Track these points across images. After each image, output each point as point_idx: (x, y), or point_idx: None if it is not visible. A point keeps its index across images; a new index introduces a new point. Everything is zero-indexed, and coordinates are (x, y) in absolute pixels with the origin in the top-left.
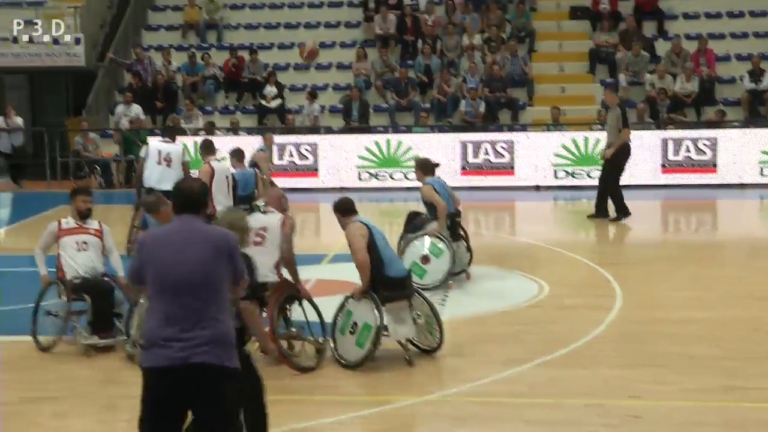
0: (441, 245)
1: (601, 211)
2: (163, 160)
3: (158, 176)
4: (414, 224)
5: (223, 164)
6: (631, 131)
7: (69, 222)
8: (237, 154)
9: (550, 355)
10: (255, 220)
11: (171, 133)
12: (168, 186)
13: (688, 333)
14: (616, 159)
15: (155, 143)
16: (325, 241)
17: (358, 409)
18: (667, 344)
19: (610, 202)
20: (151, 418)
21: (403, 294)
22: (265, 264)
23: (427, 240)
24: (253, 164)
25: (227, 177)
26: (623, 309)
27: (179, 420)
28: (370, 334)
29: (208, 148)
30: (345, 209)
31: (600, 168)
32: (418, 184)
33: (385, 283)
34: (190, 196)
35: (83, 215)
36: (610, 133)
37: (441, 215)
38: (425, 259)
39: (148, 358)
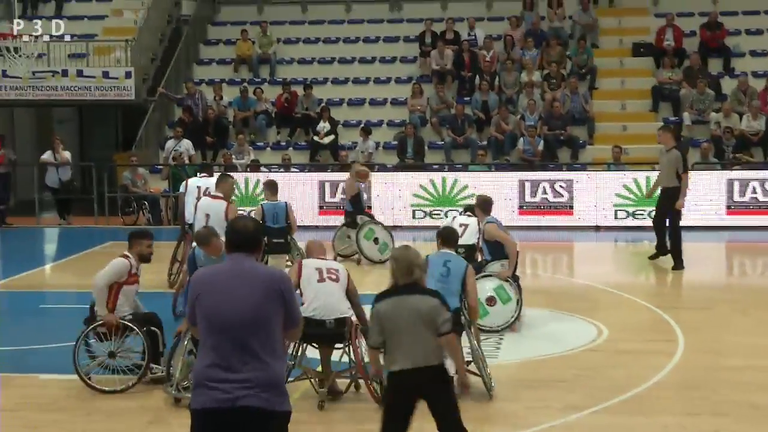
0: (511, 292)
1: (662, 249)
2: (202, 194)
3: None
4: (478, 264)
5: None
6: (696, 172)
7: (134, 267)
8: (270, 187)
9: (609, 402)
10: (325, 263)
11: (206, 169)
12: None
13: (751, 381)
14: (672, 203)
15: (194, 179)
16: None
17: None
18: (730, 392)
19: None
20: None
21: None
22: (343, 299)
23: (496, 282)
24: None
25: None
26: (685, 354)
27: None
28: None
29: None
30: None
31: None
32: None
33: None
34: (244, 235)
35: (145, 260)
36: (664, 175)
37: (512, 255)
38: (491, 300)
39: (196, 400)
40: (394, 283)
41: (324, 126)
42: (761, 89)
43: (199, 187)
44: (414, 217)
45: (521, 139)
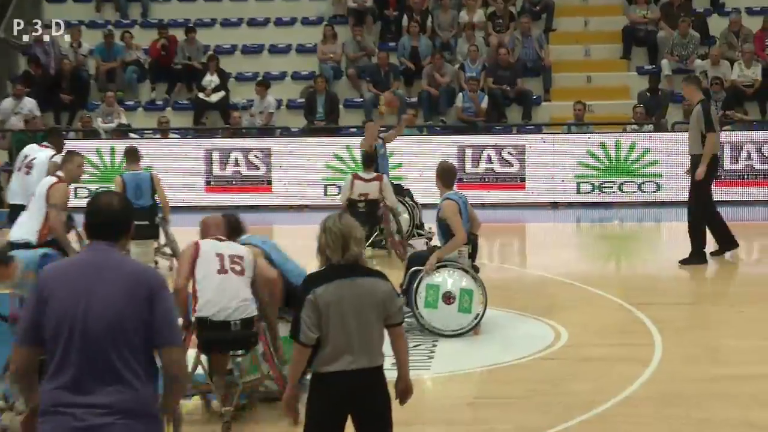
0: (475, 305)
1: (725, 242)
2: (24, 165)
3: (15, 187)
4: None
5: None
6: (676, 134)
7: None
8: (131, 154)
9: (569, 423)
10: (227, 245)
11: (52, 136)
12: (19, 199)
13: (747, 393)
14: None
15: (29, 148)
16: None
17: None
18: (720, 408)
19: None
20: None
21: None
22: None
23: (466, 282)
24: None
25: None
26: (664, 362)
27: None
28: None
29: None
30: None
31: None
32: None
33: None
34: (108, 216)
35: None
36: (690, 139)
37: (454, 246)
38: (448, 298)
39: (42, 429)
40: (326, 261)
41: (211, 80)
42: (757, 30)
43: (26, 156)
44: (326, 194)
45: (460, 94)
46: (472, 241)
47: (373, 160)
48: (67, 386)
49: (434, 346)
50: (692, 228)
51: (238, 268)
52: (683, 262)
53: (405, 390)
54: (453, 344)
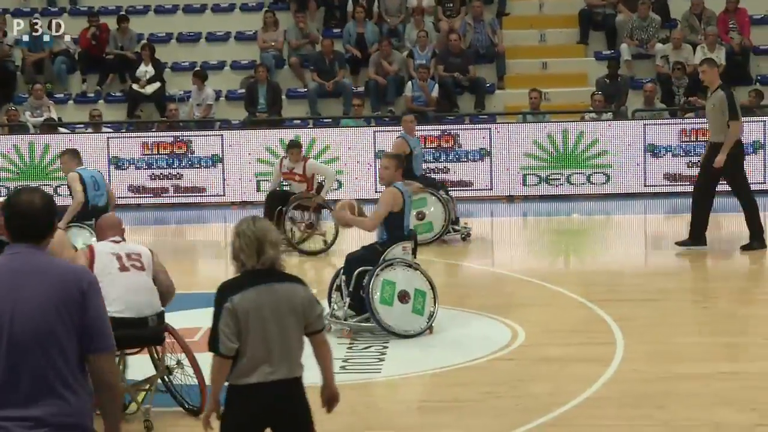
0: (428, 307)
1: (697, 236)
2: None
3: None
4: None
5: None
6: (635, 122)
7: None
8: (75, 154)
9: (527, 426)
10: (122, 246)
11: None
12: None
13: (714, 393)
14: (730, 163)
15: None
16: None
17: None
18: (685, 408)
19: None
20: None
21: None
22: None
23: (420, 282)
24: None
25: None
26: (626, 361)
27: None
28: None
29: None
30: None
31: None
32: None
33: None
34: (30, 216)
35: None
36: (711, 125)
37: (358, 222)
38: (404, 296)
39: None
40: (242, 267)
41: (146, 70)
42: (720, 12)
43: None
44: (259, 190)
45: (409, 83)
46: (414, 238)
47: None
48: None
49: (385, 348)
50: (749, 216)
51: (138, 264)
52: (744, 248)
53: (331, 397)
54: (405, 346)
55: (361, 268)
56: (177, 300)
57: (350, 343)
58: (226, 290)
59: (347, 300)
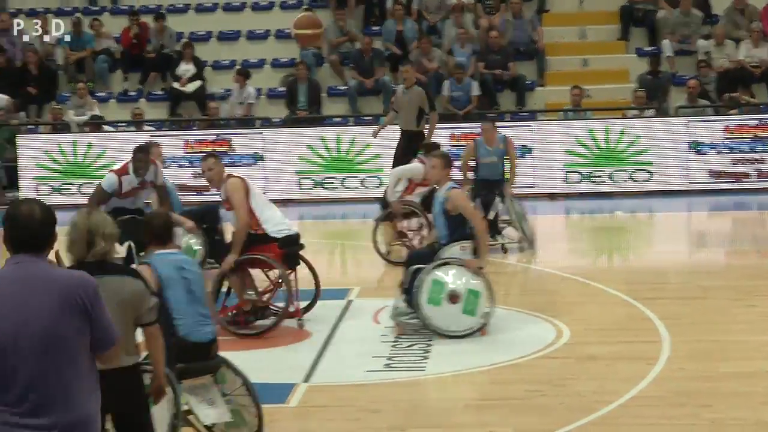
0: (481, 308)
1: None
2: None
3: None
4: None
5: None
6: (687, 117)
7: None
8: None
9: (572, 425)
10: None
11: None
12: None
13: (761, 392)
14: None
15: None
16: None
17: None
18: (732, 407)
19: None
20: None
21: (207, 366)
22: None
23: (473, 282)
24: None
25: None
26: (672, 360)
27: None
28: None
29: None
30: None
31: None
32: (377, 193)
33: (182, 349)
34: (30, 228)
35: None
36: None
37: (483, 237)
38: (454, 297)
39: None
40: (76, 260)
41: (187, 69)
42: (763, 7)
43: None
44: (301, 188)
45: (448, 81)
46: (473, 236)
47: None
48: (10, 406)
49: (429, 346)
50: None
51: None
52: None
53: (157, 389)
54: (449, 344)
55: (416, 266)
56: None
57: (394, 342)
58: None
59: (404, 297)
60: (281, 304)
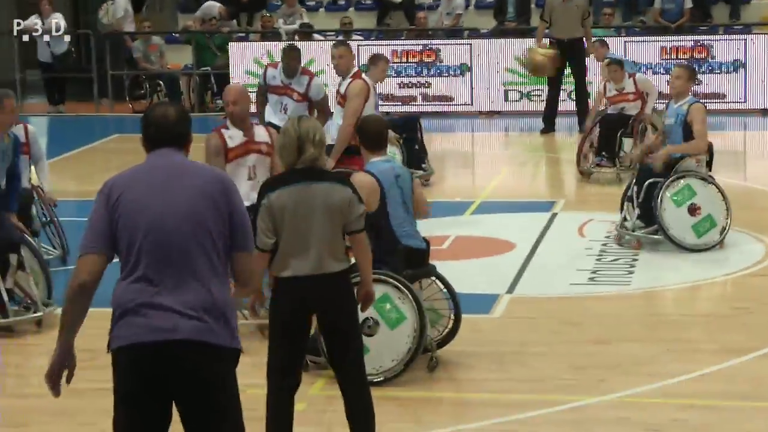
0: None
1: None
2: None
3: None
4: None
5: None
6: None
7: None
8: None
9: None
10: None
11: None
12: None
13: None
14: None
15: None
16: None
17: (523, 410)
18: None
19: None
20: (127, 417)
21: (428, 271)
22: None
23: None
24: None
25: None
26: None
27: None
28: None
29: None
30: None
31: None
32: None
33: (408, 256)
34: (164, 126)
35: None
36: None
37: (689, 149)
38: (695, 210)
39: (120, 334)
40: (287, 166)
41: None
42: None
43: None
44: (507, 100)
45: None
46: (711, 150)
47: None
48: (147, 286)
49: (635, 260)
50: None
51: None
52: None
53: (366, 296)
54: (655, 259)
55: (652, 180)
56: None
57: (598, 255)
58: (265, 188)
59: (637, 211)
60: None
